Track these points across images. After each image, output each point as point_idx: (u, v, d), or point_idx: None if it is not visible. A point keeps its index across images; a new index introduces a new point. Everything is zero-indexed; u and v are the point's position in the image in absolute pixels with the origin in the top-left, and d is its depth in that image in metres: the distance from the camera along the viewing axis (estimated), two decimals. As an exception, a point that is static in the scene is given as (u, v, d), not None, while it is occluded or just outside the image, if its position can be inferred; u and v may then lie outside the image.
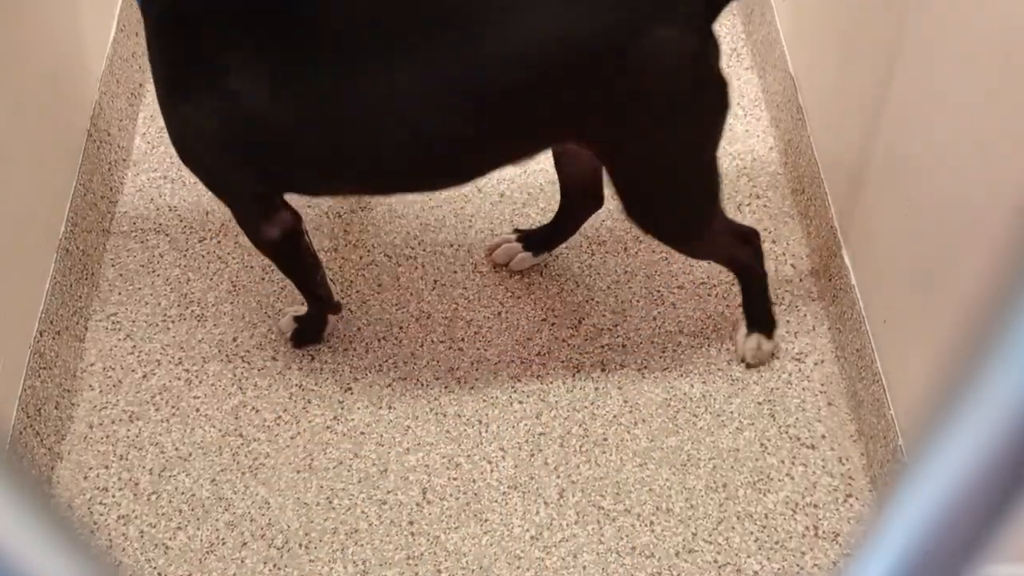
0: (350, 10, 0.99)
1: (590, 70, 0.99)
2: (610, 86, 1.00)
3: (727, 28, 1.77)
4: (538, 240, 1.46)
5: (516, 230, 1.49)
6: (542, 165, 1.59)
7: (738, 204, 1.54)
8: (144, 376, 1.40)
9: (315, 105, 1.00)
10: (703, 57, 1.03)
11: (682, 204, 1.18)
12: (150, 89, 1.72)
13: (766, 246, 1.49)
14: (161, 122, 1.66)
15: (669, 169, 1.12)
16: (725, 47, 1.74)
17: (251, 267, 1.50)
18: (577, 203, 1.39)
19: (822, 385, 1.36)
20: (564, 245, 1.50)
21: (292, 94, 1.00)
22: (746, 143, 1.61)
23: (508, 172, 1.59)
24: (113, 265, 1.51)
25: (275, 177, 1.11)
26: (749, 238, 1.30)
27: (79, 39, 1.51)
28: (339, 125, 1.01)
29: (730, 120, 1.64)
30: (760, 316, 1.35)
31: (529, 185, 1.58)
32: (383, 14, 0.98)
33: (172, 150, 1.61)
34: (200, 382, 1.39)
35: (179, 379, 1.40)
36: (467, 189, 1.57)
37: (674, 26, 0.99)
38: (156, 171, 1.62)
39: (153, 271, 1.51)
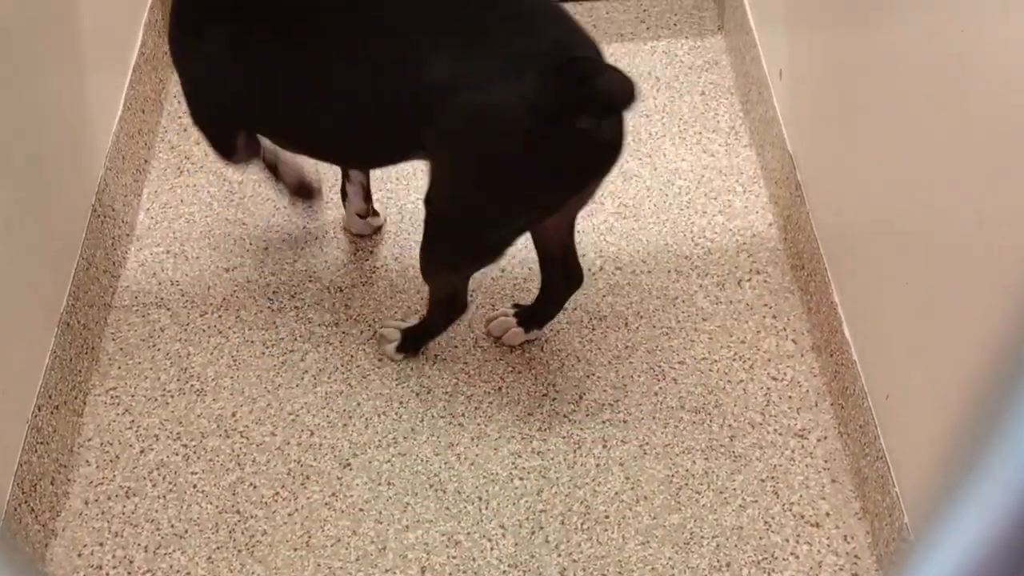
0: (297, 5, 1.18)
1: (423, 109, 1.11)
2: (431, 127, 1.12)
3: (726, 106, 1.80)
4: (529, 316, 1.46)
5: (515, 305, 1.49)
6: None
7: (738, 280, 1.55)
8: (142, 451, 1.39)
9: (257, 73, 1.21)
10: (512, 133, 1.08)
11: (438, 244, 1.26)
12: (155, 165, 1.74)
13: (767, 321, 1.50)
14: (165, 197, 1.69)
15: (443, 212, 1.21)
16: (724, 125, 1.76)
17: (251, 342, 1.50)
18: (555, 277, 1.40)
19: (825, 462, 1.35)
20: (564, 320, 1.50)
21: (240, 62, 1.21)
22: (745, 219, 1.63)
23: (508, 249, 1.60)
24: (114, 339, 1.51)
25: (234, 119, 1.35)
26: (457, 307, 1.38)
27: (86, 115, 1.54)
28: (273, 91, 1.21)
29: (729, 196, 1.66)
30: (414, 343, 1.46)
31: (530, 260, 1.59)
32: (321, 16, 1.16)
33: (175, 225, 1.63)
34: (198, 457, 1.38)
35: (177, 454, 1.39)
36: (468, 264, 1.58)
37: (487, 94, 1.07)
38: (159, 246, 1.63)
39: (153, 345, 1.51)
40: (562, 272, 1.39)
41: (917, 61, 1.09)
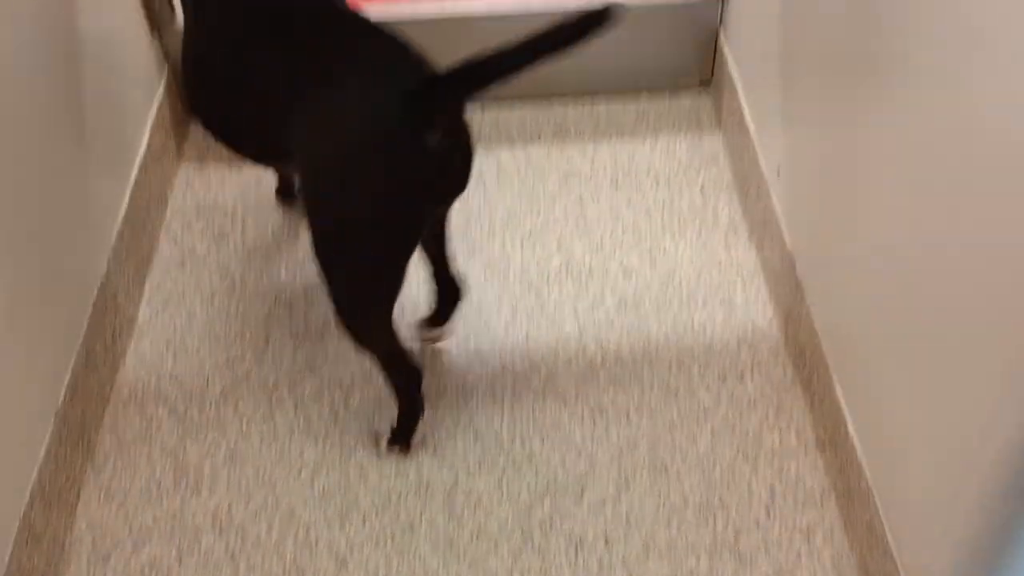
0: (251, 17, 1.28)
1: (294, 118, 1.20)
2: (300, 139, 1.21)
3: (725, 203, 1.82)
4: (435, 317, 1.57)
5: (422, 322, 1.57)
6: (545, 334, 1.60)
7: (740, 374, 1.54)
8: (134, 550, 1.36)
9: (206, 67, 1.33)
10: (367, 151, 1.15)
11: (335, 287, 1.27)
12: (158, 258, 1.75)
13: (770, 416, 1.48)
14: (167, 290, 1.69)
15: (313, 229, 1.24)
16: (723, 221, 1.78)
17: (249, 436, 1.49)
18: (441, 288, 1.52)
19: (832, 561, 1.32)
20: (565, 414, 1.49)
21: (202, 56, 1.33)
22: (746, 314, 1.63)
23: (510, 341, 1.60)
24: (110, 433, 1.50)
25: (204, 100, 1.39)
26: (407, 372, 1.39)
27: (91, 210, 1.55)
28: (216, 83, 1.32)
29: (729, 292, 1.66)
30: (402, 434, 1.46)
31: (531, 354, 1.58)
32: (268, 28, 1.27)
33: (176, 318, 1.63)
34: (192, 556, 1.35)
35: (170, 553, 1.36)
36: (469, 358, 1.58)
37: (343, 120, 1.17)
38: (160, 338, 1.63)
39: (150, 439, 1.49)
40: (445, 283, 1.51)
41: (914, 161, 1.10)
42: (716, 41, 1.96)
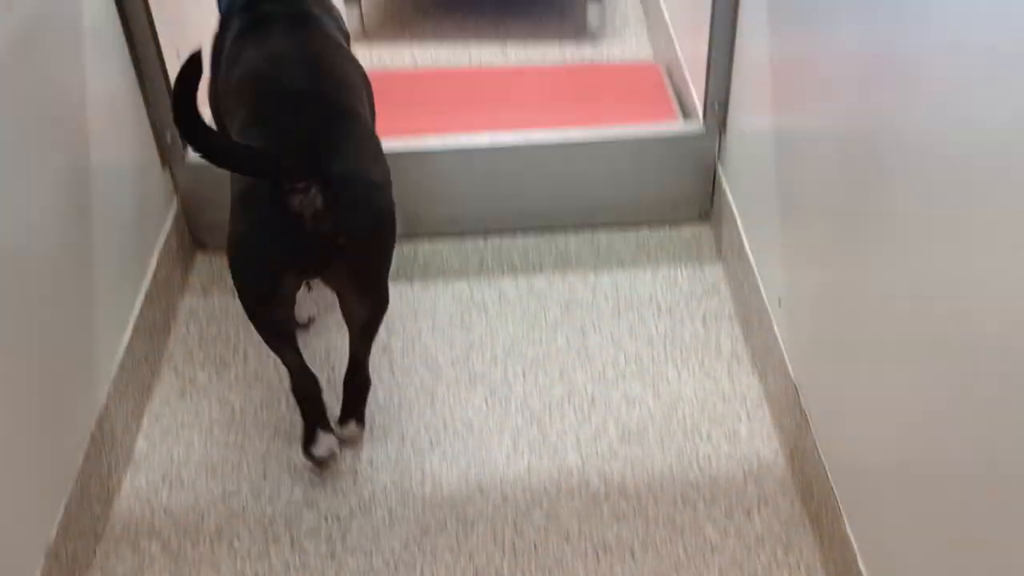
0: (261, 56, 1.54)
1: None
2: None
3: (727, 333, 1.81)
4: (342, 412, 1.62)
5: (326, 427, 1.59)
6: (547, 465, 1.58)
7: (747, 509, 1.51)
8: None
9: (224, 96, 1.59)
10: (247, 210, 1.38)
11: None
12: (159, 389, 1.75)
13: (778, 554, 1.44)
14: (166, 422, 1.68)
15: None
16: (725, 351, 1.77)
17: (243, 574, 1.45)
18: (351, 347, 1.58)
19: None
20: (568, 551, 1.45)
21: (220, 88, 1.61)
22: (751, 446, 1.60)
23: (511, 472, 1.57)
24: (101, 570, 1.46)
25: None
26: (288, 369, 1.55)
27: (93, 339, 1.55)
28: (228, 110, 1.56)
29: (734, 423, 1.64)
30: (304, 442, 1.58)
31: (533, 487, 1.56)
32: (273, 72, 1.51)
33: (174, 450, 1.62)
34: None
35: None
36: (470, 490, 1.55)
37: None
38: (156, 472, 1.60)
39: (142, 577, 1.45)
40: (350, 373, 1.60)
41: (913, 296, 1.11)
42: (715, 174, 2.00)
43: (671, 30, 2.43)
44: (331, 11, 1.73)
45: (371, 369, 1.63)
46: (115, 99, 1.70)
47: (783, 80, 1.54)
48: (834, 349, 1.39)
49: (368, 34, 2.80)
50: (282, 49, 1.55)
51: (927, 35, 1.03)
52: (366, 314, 1.52)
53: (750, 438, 1.62)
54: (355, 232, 1.36)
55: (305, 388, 1.56)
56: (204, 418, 1.69)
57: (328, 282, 1.46)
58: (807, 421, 1.48)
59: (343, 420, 1.60)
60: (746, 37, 1.75)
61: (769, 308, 1.66)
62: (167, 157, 1.91)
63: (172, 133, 1.88)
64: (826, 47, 1.33)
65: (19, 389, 1.30)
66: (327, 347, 1.82)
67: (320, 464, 1.57)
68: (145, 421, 1.69)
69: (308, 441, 1.56)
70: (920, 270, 1.08)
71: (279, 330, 1.51)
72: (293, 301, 1.47)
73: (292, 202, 1.29)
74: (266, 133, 1.40)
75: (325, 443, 1.55)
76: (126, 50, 1.76)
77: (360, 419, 1.61)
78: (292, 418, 1.68)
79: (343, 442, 1.60)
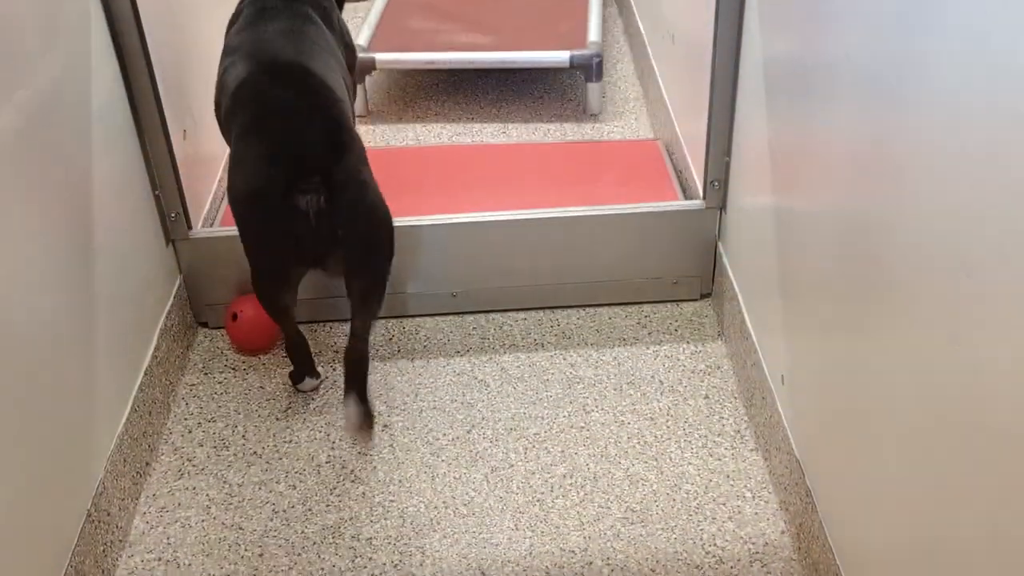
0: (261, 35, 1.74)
1: None
2: None
3: (730, 410, 1.80)
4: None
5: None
6: (549, 546, 1.55)
7: (753, 591, 1.48)
8: None
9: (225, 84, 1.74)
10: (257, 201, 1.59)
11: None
12: (156, 468, 1.73)
13: (786, 638, 1.41)
14: (163, 501, 1.66)
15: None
16: (729, 429, 1.76)
17: (239, 658, 1.41)
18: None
19: None
20: (572, 635, 1.42)
21: (223, 78, 1.77)
22: (756, 526, 1.58)
23: (513, 553, 1.54)
24: (93, 655, 1.43)
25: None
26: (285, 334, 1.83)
27: (92, 416, 1.54)
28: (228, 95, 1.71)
29: (738, 502, 1.62)
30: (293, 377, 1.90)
31: (535, 568, 1.53)
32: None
33: (170, 530, 1.59)
34: None
35: None
36: (471, 571, 1.52)
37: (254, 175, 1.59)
38: (151, 552, 1.58)
39: (134, 662, 1.42)
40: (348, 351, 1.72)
41: (917, 370, 1.10)
42: (715, 251, 2.01)
43: (670, 110, 2.47)
44: (332, 16, 1.93)
45: (371, 447, 1.62)
46: (121, 178, 1.72)
47: (782, 160, 1.56)
48: (838, 427, 1.37)
49: (372, 113, 2.85)
50: (271, 35, 1.73)
51: (923, 119, 1.04)
52: (366, 292, 1.68)
53: (755, 518, 1.60)
54: (352, 228, 1.58)
55: (297, 347, 1.86)
56: (202, 497, 1.67)
57: (329, 271, 1.65)
58: (812, 500, 1.46)
59: (346, 396, 1.71)
60: (744, 118, 1.78)
61: (772, 385, 1.65)
62: (171, 235, 1.92)
63: (176, 211, 1.90)
64: (823, 129, 1.35)
65: (14, 464, 1.29)
66: (328, 424, 1.81)
67: (304, 392, 1.89)
68: (142, 500, 1.67)
69: (296, 380, 1.88)
70: (921, 348, 1.08)
71: (284, 309, 1.75)
72: (297, 285, 1.73)
73: (299, 202, 1.51)
74: (265, 132, 1.60)
75: (309, 383, 1.89)
76: (134, 130, 1.79)
77: (362, 397, 1.70)
78: (290, 496, 1.66)
79: (352, 423, 1.72)
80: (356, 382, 1.69)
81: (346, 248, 1.60)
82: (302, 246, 1.58)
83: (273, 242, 1.60)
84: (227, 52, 1.79)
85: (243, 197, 1.59)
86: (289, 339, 1.84)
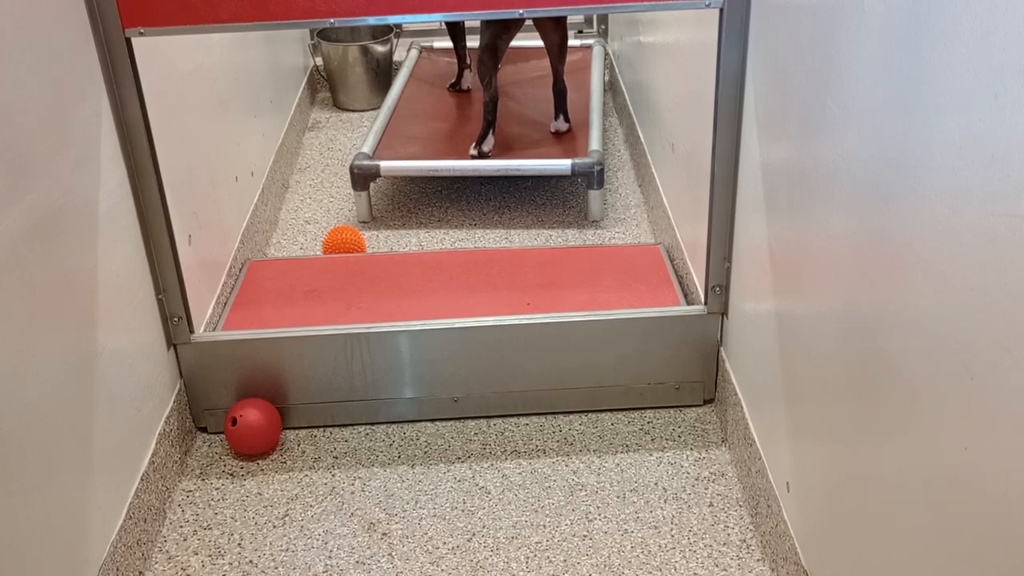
0: None
1: None
2: None
3: (735, 519, 1.77)
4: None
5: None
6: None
7: None
8: None
9: None
10: None
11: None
12: (150, 574, 1.69)
13: None
14: (155, 611, 1.61)
15: None
16: (734, 538, 1.72)
17: None
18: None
19: None
20: None
21: None
22: (765, 640, 1.53)
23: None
24: None
25: None
26: (487, 92, 2.81)
27: (86, 521, 1.51)
28: None
29: (746, 614, 1.57)
30: (479, 140, 2.84)
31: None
32: None
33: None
34: None
35: None
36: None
37: None
38: (141, 665, 1.53)
39: None
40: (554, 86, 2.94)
41: (926, 475, 1.08)
42: (718, 356, 2.01)
43: (671, 217, 2.50)
44: None
45: (369, 556, 1.58)
46: (125, 281, 1.73)
47: (782, 264, 1.57)
48: (846, 535, 1.35)
49: (376, 219, 2.88)
50: None
51: (919, 217, 1.05)
52: (557, 42, 2.80)
53: (763, 631, 1.55)
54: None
55: (493, 99, 2.70)
56: (194, 608, 1.63)
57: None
58: (822, 613, 1.42)
59: (556, 116, 2.89)
60: (744, 223, 1.80)
61: (777, 493, 1.62)
62: (173, 339, 1.92)
63: (179, 315, 1.90)
64: (822, 233, 1.36)
65: (4, 569, 1.26)
66: (326, 531, 1.77)
67: (483, 156, 2.74)
68: (133, 611, 1.63)
69: (480, 140, 2.71)
70: (930, 452, 1.07)
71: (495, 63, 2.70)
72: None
73: None
74: None
75: (490, 142, 2.72)
76: (139, 234, 1.80)
77: (566, 116, 2.91)
78: (286, 608, 1.62)
79: (556, 132, 2.76)
80: (562, 107, 2.88)
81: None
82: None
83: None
84: None
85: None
86: (488, 92, 2.72)
